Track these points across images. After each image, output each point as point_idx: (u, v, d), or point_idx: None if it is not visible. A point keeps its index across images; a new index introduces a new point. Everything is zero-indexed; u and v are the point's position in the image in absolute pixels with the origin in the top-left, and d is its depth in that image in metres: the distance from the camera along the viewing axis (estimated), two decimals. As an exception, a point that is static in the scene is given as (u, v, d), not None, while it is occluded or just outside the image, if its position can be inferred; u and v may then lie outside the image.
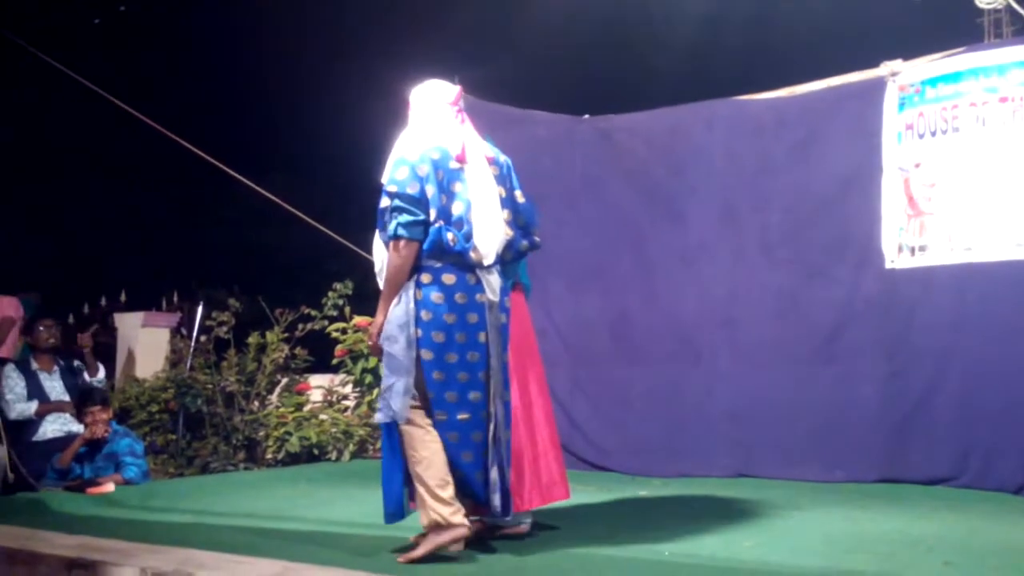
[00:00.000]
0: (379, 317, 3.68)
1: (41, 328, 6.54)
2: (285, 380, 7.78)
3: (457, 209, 3.68)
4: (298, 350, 7.72)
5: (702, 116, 6.64)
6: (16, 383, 6.27)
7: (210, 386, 7.42)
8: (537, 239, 4.03)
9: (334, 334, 7.49)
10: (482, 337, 3.68)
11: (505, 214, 3.83)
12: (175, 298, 10.27)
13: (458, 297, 3.65)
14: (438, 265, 3.64)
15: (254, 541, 3.94)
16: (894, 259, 5.85)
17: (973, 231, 5.57)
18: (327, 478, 6.26)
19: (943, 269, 5.65)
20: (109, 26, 11.17)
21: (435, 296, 3.62)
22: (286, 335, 7.68)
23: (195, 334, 7.89)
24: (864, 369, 5.88)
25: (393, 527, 3.80)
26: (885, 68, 6.00)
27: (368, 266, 4.17)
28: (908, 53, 5.98)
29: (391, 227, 3.62)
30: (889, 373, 5.81)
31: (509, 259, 3.91)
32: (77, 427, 6.10)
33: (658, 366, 6.49)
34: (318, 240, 8.29)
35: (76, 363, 6.73)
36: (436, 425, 3.64)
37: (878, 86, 6.01)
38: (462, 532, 3.58)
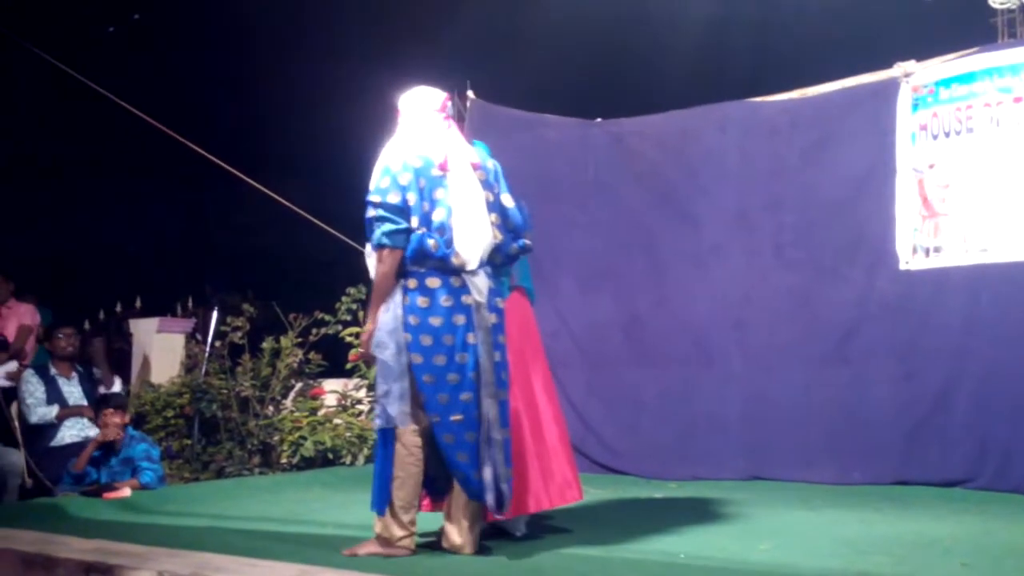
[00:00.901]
0: (369, 325, 3.79)
1: (60, 336, 6.57)
2: (299, 385, 7.80)
3: (439, 216, 3.75)
4: (312, 355, 7.74)
5: (714, 118, 6.64)
6: (36, 388, 6.30)
7: (225, 391, 7.44)
8: (528, 242, 4.09)
9: (348, 338, 7.50)
10: (471, 338, 3.74)
11: (492, 218, 3.89)
12: (190, 304, 10.29)
13: (443, 300, 3.72)
14: (422, 270, 3.72)
15: (270, 545, 3.96)
16: (908, 260, 5.83)
17: (988, 232, 5.55)
18: (341, 482, 6.27)
19: (958, 270, 5.63)
20: (126, 32, 11.25)
21: (421, 300, 3.71)
22: (300, 340, 7.69)
23: (210, 339, 7.90)
24: (878, 370, 5.86)
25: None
26: (898, 69, 5.99)
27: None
28: (921, 54, 5.97)
29: (375, 236, 3.74)
30: (904, 374, 5.79)
31: (499, 262, 3.97)
32: (95, 432, 6.12)
33: (671, 368, 6.49)
34: (332, 245, 8.31)
35: (95, 370, 6.77)
36: (432, 427, 3.73)
37: (891, 87, 6.00)
38: (403, 553, 3.70)
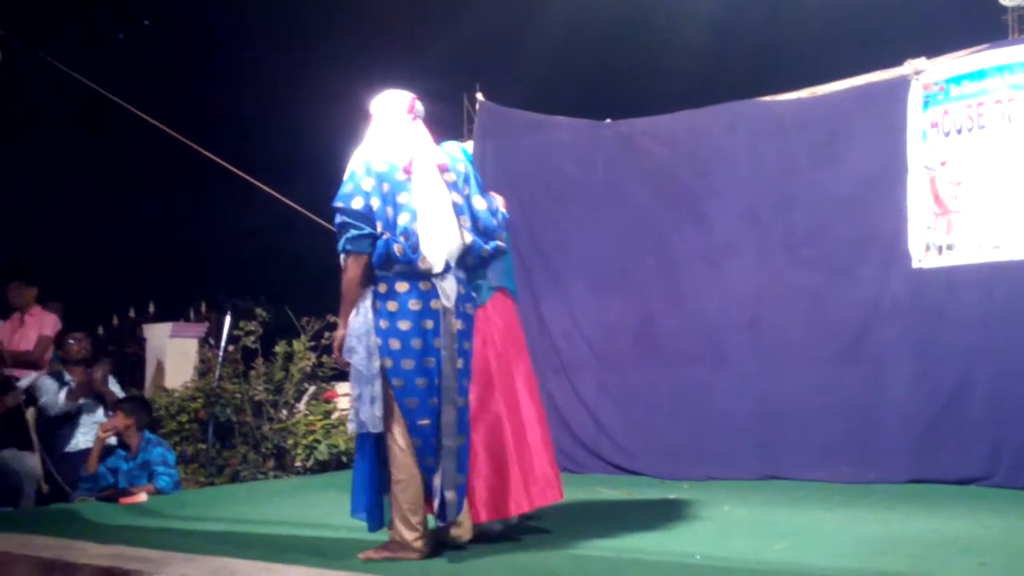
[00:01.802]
0: (340, 331, 3.81)
1: (71, 341, 6.61)
2: (312, 388, 7.82)
3: (403, 220, 3.74)
4: (325, 358, 7.76)
5: (724, 118, 6.63)
6: (50, 387, 6.35)
7: (239, 395, 7.46)
8: (501, 244, 4.04)
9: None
10: (437, 343, 3.76)
11: (463, 220, 3.88)
12: (203, 308, 10.34)
13: (412, 304, 3.73)
14: (390, 275, 3.74)
15: (286, 549, 3.97)
16: (921, 258, 5.81)
17: (1001, 229, 5.53)
18: (356, 485, 6.27)
19: (971, 268, 5.61)
20: (135, 39, 11.30)
21: (390, 305, 3.72)
22: (313, 343, 7.71)
23: (223, 344, 7.94)
24: (892, 369, 5.84)
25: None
26: (909, 67, 5.97)
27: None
28: (932, 51, 5.95)
29: (340, 243, 3.75)
30: (918, 373, 5.77)
31: (471, 264, 3.97)
32: (110, 438, 6.15)
33: (684, 368, 6.48)
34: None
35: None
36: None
37: (902, 85, 5.98)
38: (415, 556, 3.70)
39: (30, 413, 6.37)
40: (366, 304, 3.74)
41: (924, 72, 5.90)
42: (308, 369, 7.71)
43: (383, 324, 3.71)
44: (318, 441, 7.15)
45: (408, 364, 3.71)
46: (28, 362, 7.03)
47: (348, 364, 3.78)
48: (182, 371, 8.64)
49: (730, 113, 6.62)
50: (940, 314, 5.73)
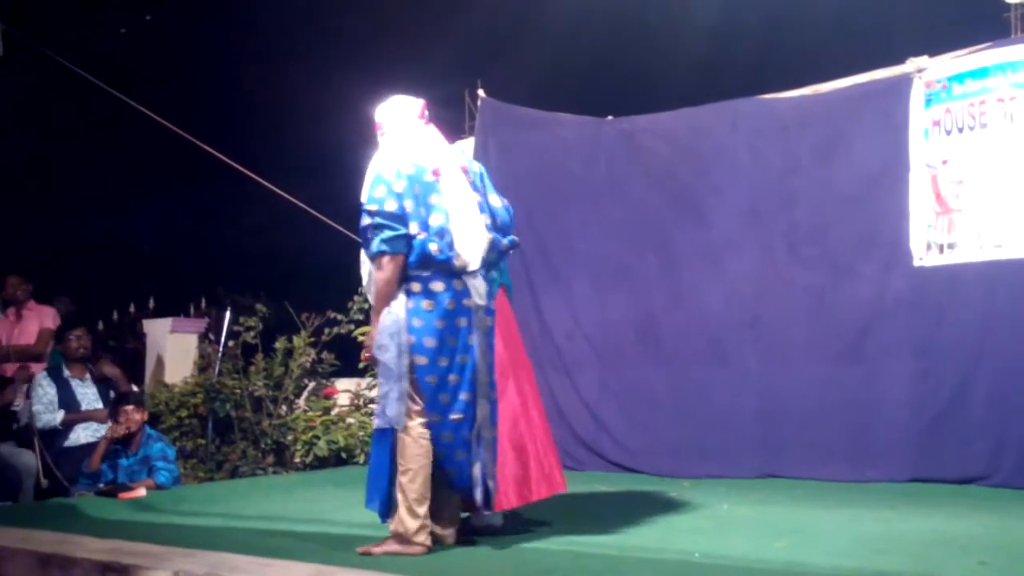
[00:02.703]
0: (374, 330, 3.87)
1: (72, 337, 6.59)
2: (312, 384, 7.82)
3: (437, 220, 3.84)
4: (325, 354, 7.75)
5: (726, 116, 6.62)
6: (46, 392, 6.30)
7: (238, 391, 7.46)
8: (516, 239, 4.17)
9: (360, 338, 7.50)
10: (471, 340, 3.86)
11: (484, 219, 3.98)
12: (203, 304, 10.34)
13: (447, 303, 3.82)
14: (426, 274, 3.81)
15: (284, 544, 3.97)
16: (923, 257, 5.80)
17: (1002, 228, 5.52)
18: (355, 481, 6.24)
19: (972, 266, 5.61)
20: (136, 34, 11.29)
21: (425, 304, 3.80)
22: (313, 339, 7.71)
23: (223, 339, 7.93)
24: (894, 368, 5.84)
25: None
26: (911, 65, 5.96)
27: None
28: (934, 49, 5.94)
29: (374, 244, 3.81)
30: (919, 371, 5.76)
31: (493, 260, 4.03)
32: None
33: (685, 366, 6.48)
34: (344, 244, 8.31)
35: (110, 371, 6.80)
36: (430, 426, 3.80)
37: (904, 83, 5.97)
38: (419, 550, 3.73)
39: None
40: (398, 303, 3.80)
41: (926, 70, 5.89)
42: (308, 365, 7.71)
43: (417, 322, 3.78)
44: (317, 437, 7.14)
45: (443, 361, 3.80)
46: (31, 355, 7.04)
47: (375, 361, 3.84)
48: (182, 366, 8.64)
49: (732, 111, 6.61)
50: (941, 313, 5.72)
